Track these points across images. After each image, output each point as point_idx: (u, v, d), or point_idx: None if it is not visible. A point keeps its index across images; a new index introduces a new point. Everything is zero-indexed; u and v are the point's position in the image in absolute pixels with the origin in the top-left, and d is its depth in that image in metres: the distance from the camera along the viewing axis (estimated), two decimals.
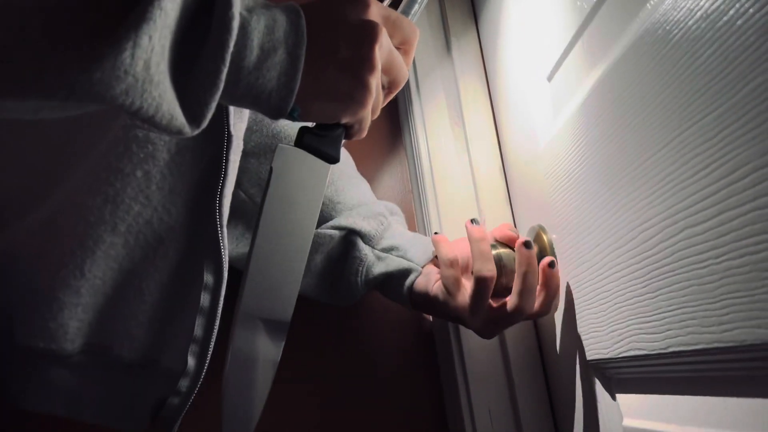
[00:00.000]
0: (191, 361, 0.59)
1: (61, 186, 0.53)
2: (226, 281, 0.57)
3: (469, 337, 0.78)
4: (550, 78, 0.68)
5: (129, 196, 0.53)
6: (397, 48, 0.51)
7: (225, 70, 0.39)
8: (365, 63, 0.46)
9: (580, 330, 0.62)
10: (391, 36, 0.49)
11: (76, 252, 0.54)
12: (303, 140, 0.52)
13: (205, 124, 0.41)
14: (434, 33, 0.91)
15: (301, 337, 0.77)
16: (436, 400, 0.84)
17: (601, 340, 0.57)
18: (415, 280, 0.68)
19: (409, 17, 0.57)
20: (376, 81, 0.47)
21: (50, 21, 0.33)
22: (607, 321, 0.55)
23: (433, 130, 0.86)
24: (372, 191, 0.79)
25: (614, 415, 0.58)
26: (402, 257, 0.70)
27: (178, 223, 0.56)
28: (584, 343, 0.61)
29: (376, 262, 0.70)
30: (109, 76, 0.33)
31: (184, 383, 0.60)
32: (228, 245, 0.71)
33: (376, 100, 0.49)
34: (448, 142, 0.86)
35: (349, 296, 0.73)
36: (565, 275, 0.65)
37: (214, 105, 0.40)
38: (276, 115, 0.46)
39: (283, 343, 0.54)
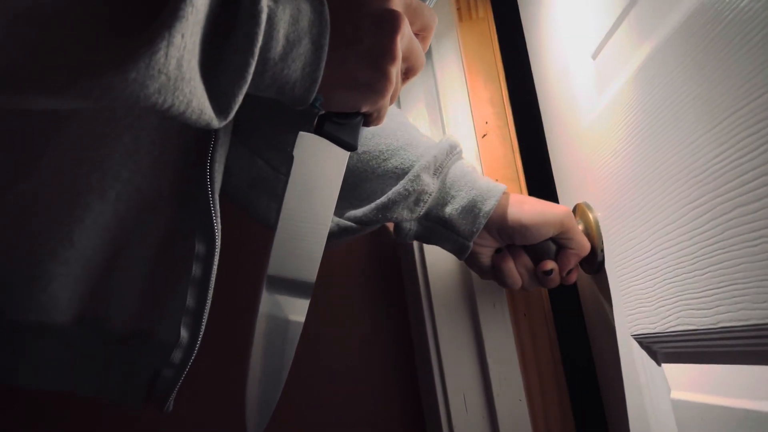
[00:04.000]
0: (184, 333, 0.58)
1: (46, 156, 0.52)
2: (219, 251, 0.56)
3: (445, 323, 0.79)
4: (594, 56, 0.68)
5: (117, 162, 0.52)
6: (415, 34, 0.51)
7: (254, 63, 0.39)
8: (387, 54, 0.46)
9: (626, 305, 0.63)
10: (411, 23, 0.49)
11: (64, 221, 0.53)
12: (323, 128, 0.53)
13: (232, 115, 0.41)
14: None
15: None
16: (411, 386, 0.85)
17: (648, 315, 0.58)
18: (468, 253, 0.68)
19: (427, 2, 0.57)
20: (396, 70, 0.47)
21: (82, 22, 0.33)
22: (655, 297, 0.57)
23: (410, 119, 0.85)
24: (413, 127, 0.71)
25: (661, 388, 0.59)
26: (450, 231, 0.67)
27: (169, 190, 0.55)
28: (631, 318, 0.62)
29: (424, 233, 0.68)
30: (144, 75, 0.33)
31: (177, 355, 0.59)
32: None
33: (394, 89, 0.49)
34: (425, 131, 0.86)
35: None
36: (612, 251, 0.66)
37: (241, 97, 0.41)
38: (299, 104, 0.47)
39: (308, 305, 0.55)
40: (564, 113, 0.77)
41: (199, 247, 0.55)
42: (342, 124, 0.52)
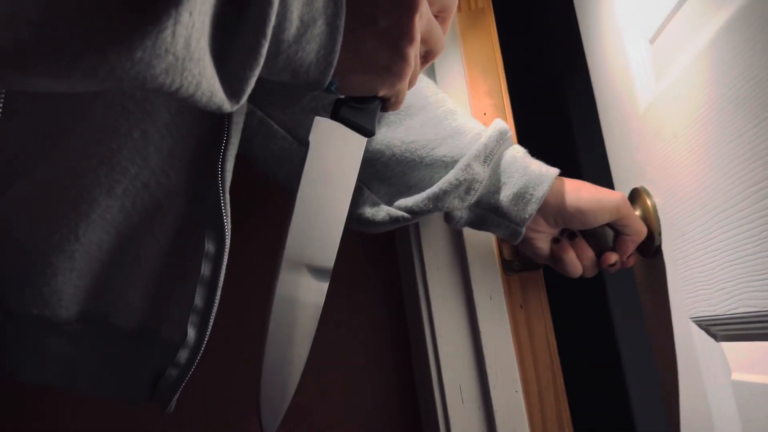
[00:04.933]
0: (191, 332, 0.57)
1: (56, 149, 0.51)
2: (229, 250, 0.55)
3: (441, 314, 0.80)
4: (653, 40, 0.68)
5: (125, 157, 0.51)
6: (435, 16, 0.49)
7: (266, 45, 0.38)
8: (404, 34, 0.45)
9: (685, 288, 0.64)
10: (430, 4, 0.47)
11: (70, 215, 0.52)
12: (339, 113, 0.51)
13: (244, 98, 0.40)
14: None
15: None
16: (407, 377, 0.86)
17: (708, 297, 0.59)
18: (520, 239, 0.68)
19: None
20: (414, 52, 0.46)
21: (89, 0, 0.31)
22: (715, 279, 0.57)
23: None
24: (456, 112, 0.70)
25: (721, 370, 0.60)
26: (502, 218, 0.67)
27: (178, 188, 0.54)
28: (690, 301, 0.63)
29: (475, 220, 0.69)
30: (150, 55, 0.32)
31: (183, 355, 0.58)
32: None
33: (413, 72, 0.48)
34: None
35: None
36: (670, 235, 0.67)
37: (254, 79, 0.39)
38: (314, 88, 0.45)
39: (326, 288, 0.54)
40: (619, 98, 0.77)
41: (209, 246, 0.55)
42: (359, 109, 0.51)
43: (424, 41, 0.48)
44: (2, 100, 0.43)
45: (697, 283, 0.61)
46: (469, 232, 0.81)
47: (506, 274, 0.80)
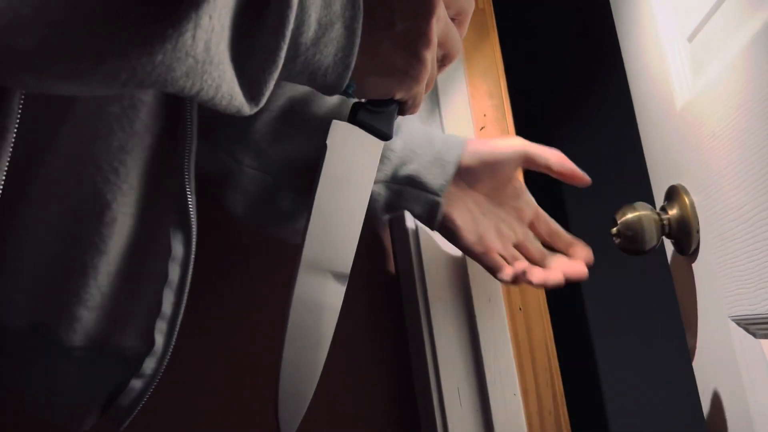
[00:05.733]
0: (159, 340, 0.54)
1: (42, 154, 0.48)
2: (195, 252, 0.53)
3: (440, 316, 0.79)
4: (691, 39, 0.68)
5: (69, 149, 0.48)
6: (452, 19, 0.49)
7: (285, 47, 0.38)
8: (421, 38, 0.45)
9: (724, 287, 0.64)
10: (447, 7, 0.47)
11: (9, 215, 0.49)
12: (357, 116, 0.51)
13: (263, 101, 0.40)
14: None
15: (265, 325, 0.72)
16: (405, 379, 0.86)
17: (748, 296, 0.59)
18: (440, 214, 0.67)
19: None
20: (431, 56, 0.46)
21: (110, 2, 0.31)
22: (756, 278, 0.57)
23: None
24: None
25: (761, 367, 0.60)
26: (419, 189, 0.65)
27: (130, 186, 0.50)
28: (729, 299, 0.63)
29: (392, 198, 0.67)
30: (171, 58, 0.32)
31: (149, 364, 0.55)
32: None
33: (430, 75, 0.48)
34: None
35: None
36: (709, 233, 0.67)
37: (273, 82, 0.39)
38: (331, 91, 0.45)
39: (344, 291, 0.54)
40: (656, 96, 0.77)
41: (177, 249, 0.52)
42: (376, 113, 0.51)
43: (441, 44, 0.48)
44: (21, 105, 0.41)
45: (736, 281, 0.61)
46: None
47: None
